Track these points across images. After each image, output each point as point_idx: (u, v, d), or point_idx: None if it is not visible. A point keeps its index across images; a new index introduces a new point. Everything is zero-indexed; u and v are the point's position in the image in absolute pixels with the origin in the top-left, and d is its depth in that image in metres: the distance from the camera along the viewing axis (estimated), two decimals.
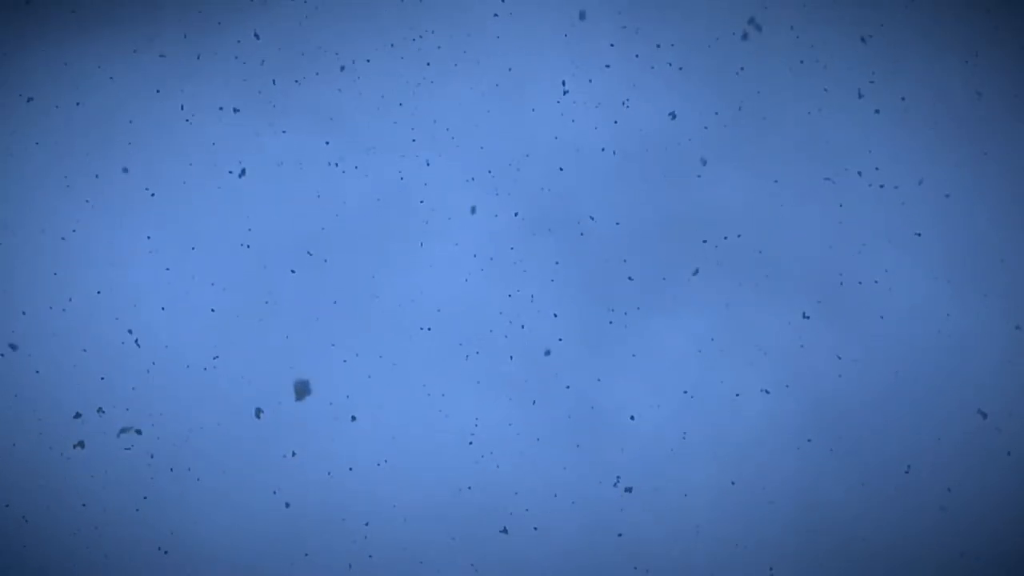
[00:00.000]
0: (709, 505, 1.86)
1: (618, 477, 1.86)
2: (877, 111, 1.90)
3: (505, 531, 1.86)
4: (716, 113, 1.89)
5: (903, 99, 1.89)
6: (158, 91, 1.90)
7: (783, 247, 1.89)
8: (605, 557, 1.86)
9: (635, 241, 1.89)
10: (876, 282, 1.88)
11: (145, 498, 1.85)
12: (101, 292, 1.88)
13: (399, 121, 1.90)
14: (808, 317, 1.87)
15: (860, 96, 1.90)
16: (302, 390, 1.66)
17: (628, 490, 1.86)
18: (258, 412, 1.87)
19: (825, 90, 1.90)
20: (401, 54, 1.91)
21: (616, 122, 1.90)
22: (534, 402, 1.87)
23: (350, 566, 1.85)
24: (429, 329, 1.88)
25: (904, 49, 1.90)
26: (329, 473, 1.86)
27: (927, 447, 1.86)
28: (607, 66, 1.91)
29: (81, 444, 1.85)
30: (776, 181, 1.89)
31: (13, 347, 1.85)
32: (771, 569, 1.85)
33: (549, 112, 1.91)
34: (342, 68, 1.90)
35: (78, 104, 1.89)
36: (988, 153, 1.89)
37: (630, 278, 1.88)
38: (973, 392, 1.86)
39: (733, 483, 1.85)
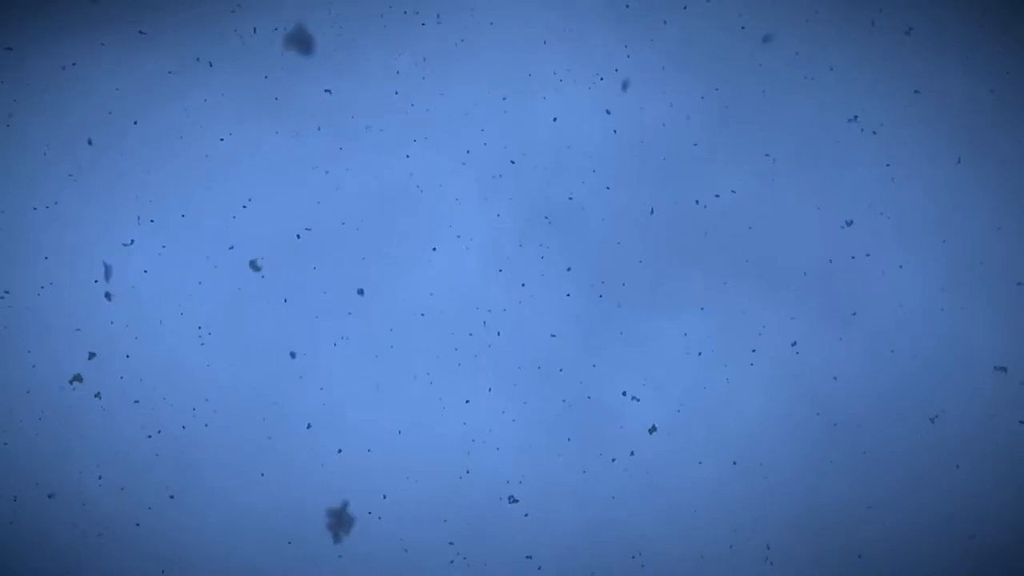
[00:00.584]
0: (708, 492, 1.87)
1: (613, 459, 1.86)
2: (878, 103, 1.91)
3: (500, 517, 1.85)
4: (716, 101, 1.89)
5: (903, 92, 1.91)
6: (142, 49, 1.86)
7: (781, 236, 1.90)
8: (602, 543, 1.87)
9: (632, 232, 1.89)
10: (874, 269, 1.90)
11: (138, 482, 1.83)
12: (85, 267, 1.84)
13: (398, 104, 1.88)
14: (807, 305, 1.88)
15: (860, 97, 1.91)
16: None
17: (625, 480, 1.87)
18: (250, 394, 1.84)
19: (830, 75, 1.91)
20: (400, 36, 1.88)
21: (616, 112, 1.90)
22: (529, 390, 1.87)
23: (340, 556, 1.84)
24: (423, 315, 1.87)
25: (908, 46, 1.92)
26: (319, 460, 1.84)
27: (930, 432, 1.87)
28: (607, 57, 1.90)
29: (81, 392, 1.82)
30: (772, 162, 1.90)
31: None
32: (768, 547, 1.86)
33: (548, 101, 1.89)
34: (340, 47, 1.87)
35: (64, 68, 1.85)
36: (987, 139, 1.91)
37: (626, 268, 1.88)
38: (976, 377, 1.88)
39: (735, 463, 1.86)
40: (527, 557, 1.85)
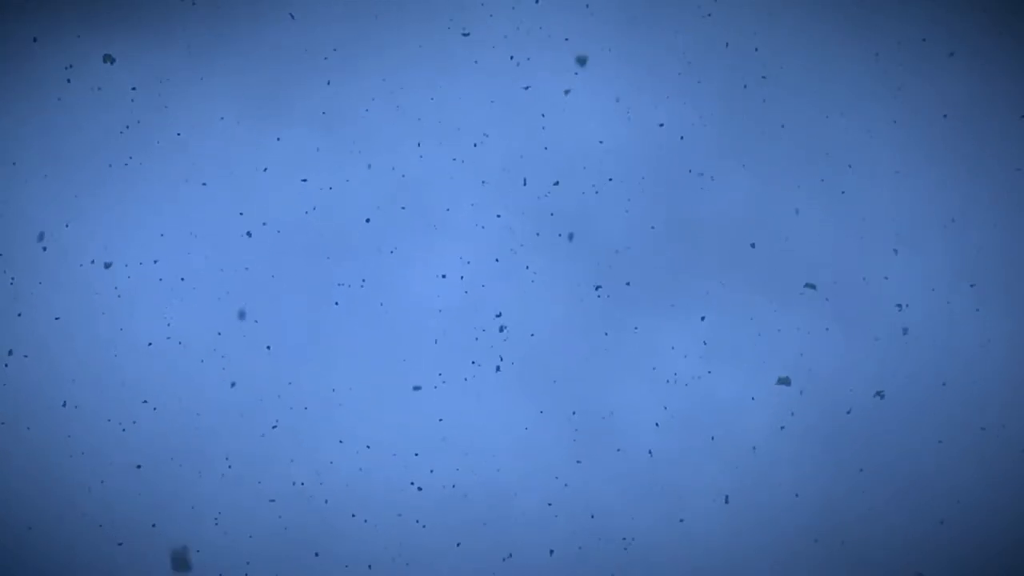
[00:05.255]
0: (711, 494, 1.87)
1: (616, 461, 1.86)
2: (883, 110, 1.90)
3: (501, 531, 1.86)
4: (723, 104, 1.88)
5: (908, 100, 1.90)
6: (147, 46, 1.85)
7: (787, 240, 1.89)
8: (604, 545, 1.86)
9: (638, 235, 1.88)
10: (886, 278, 1.89)
11: (139, 492, 1.84)
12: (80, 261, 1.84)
13: (400, 116, 1.88)
14: (812, 308, 1.88)
15: (866, 99, 1.89)
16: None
17: (628, 482, 1.86)
18: (250, 394, 1.85)
19: (831, 87, 1.90)
20: (404, 49, 1.89)
21: (621, 115, 1.89)
22: (533, 391, 1.87)
23: (337, 562, 1.86)
24: (426, 317, 1.87)
25: (910, 55, 1.90)
26: (319, 460, 1.86)
27: (932, 450, 1.88)
28: (611, 64, 1.89)
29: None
30: (778, 165, 1.89)
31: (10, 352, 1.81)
32: (771, 549, 1.87)
33: (552, 110, 1.89)
34: (343, 60, 1.88)
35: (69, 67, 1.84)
36: (994, 148, 1.90)
37: (632, 271, 1.88)
38: (985, 392, 1.88)
39: (737, 466, 1.87)
40: (526, 570, 1.88)
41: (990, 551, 1.87)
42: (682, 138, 1.88)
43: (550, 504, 1.86)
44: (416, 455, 1.86)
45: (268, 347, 1.85)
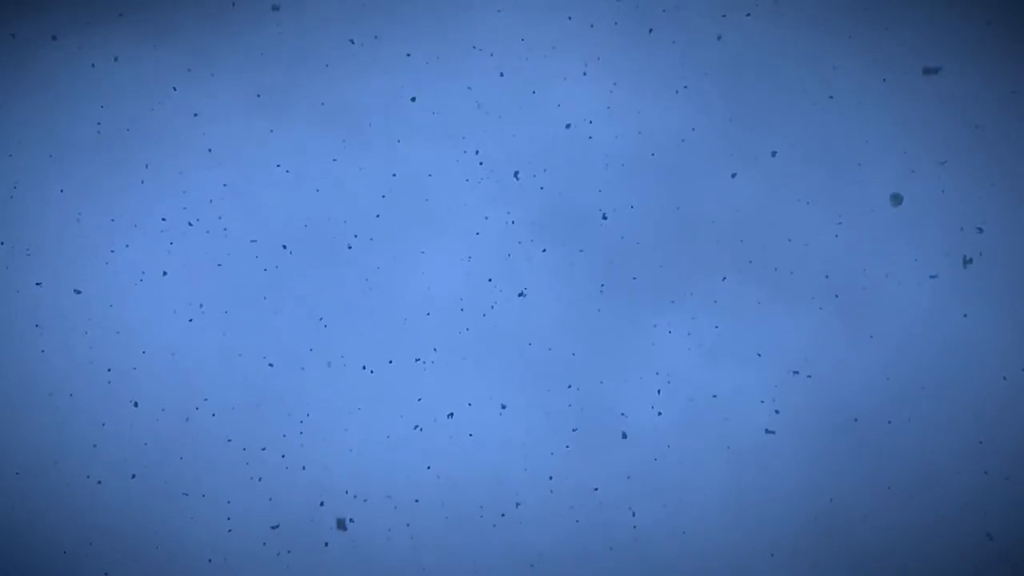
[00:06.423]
0: (714, 492, 1.81)
1: (617, 459, 1.82)
2: (883, 110, 1.90)
3: (496, 528, 1.81)
4: (727, 102, 1.90)
5: (909, 99, 1.90)
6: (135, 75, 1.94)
7: (791, 237, 1.87)
8: (605, 544, 1.80)
9: (640, 233, 1.88)
10: (887, 276, 1.85)
11: (133, 476, 1.83)
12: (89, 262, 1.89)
13: (406, 104, 1.92)
14: (818, 314, 1.85)
15: (868, 97, 1.90)
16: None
17: (630, 492, 1.81)
18: (245, 391, 1.85)
19: (835, 79, 1.91)
20: (407, 43, 1.95)
21: (623, 114, 1.92)
22: (534, 390, 1.85)
23: (335, 558, 1.81)
24: (428, 313, 1.87)
25: (910, 54, 1.92)
26: (305, 468, 1.84)
27: (944, 441, 1.81)
28: (615, 61, 1.94)
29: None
30: (782, 163, 1.89)
31: None
32: (774, 547, 1.78)
33: (558, 106, 1.93)
34: (347, 56, 1.94)
35: (54, 38, 1.93)
36: (995, 146, 1.88)
37: (634, 268, 1.87)
38: (986, 377, 1.82)
39: (740, 463, 1.81)
40: (530, 565, 1.81)
41: (996, 553, 1.79)
42: (689, 132, 1.91)
43: (551, 477, 1.82)
44: (409, 430, 1.84)
45: (274, 314, 1.87)
